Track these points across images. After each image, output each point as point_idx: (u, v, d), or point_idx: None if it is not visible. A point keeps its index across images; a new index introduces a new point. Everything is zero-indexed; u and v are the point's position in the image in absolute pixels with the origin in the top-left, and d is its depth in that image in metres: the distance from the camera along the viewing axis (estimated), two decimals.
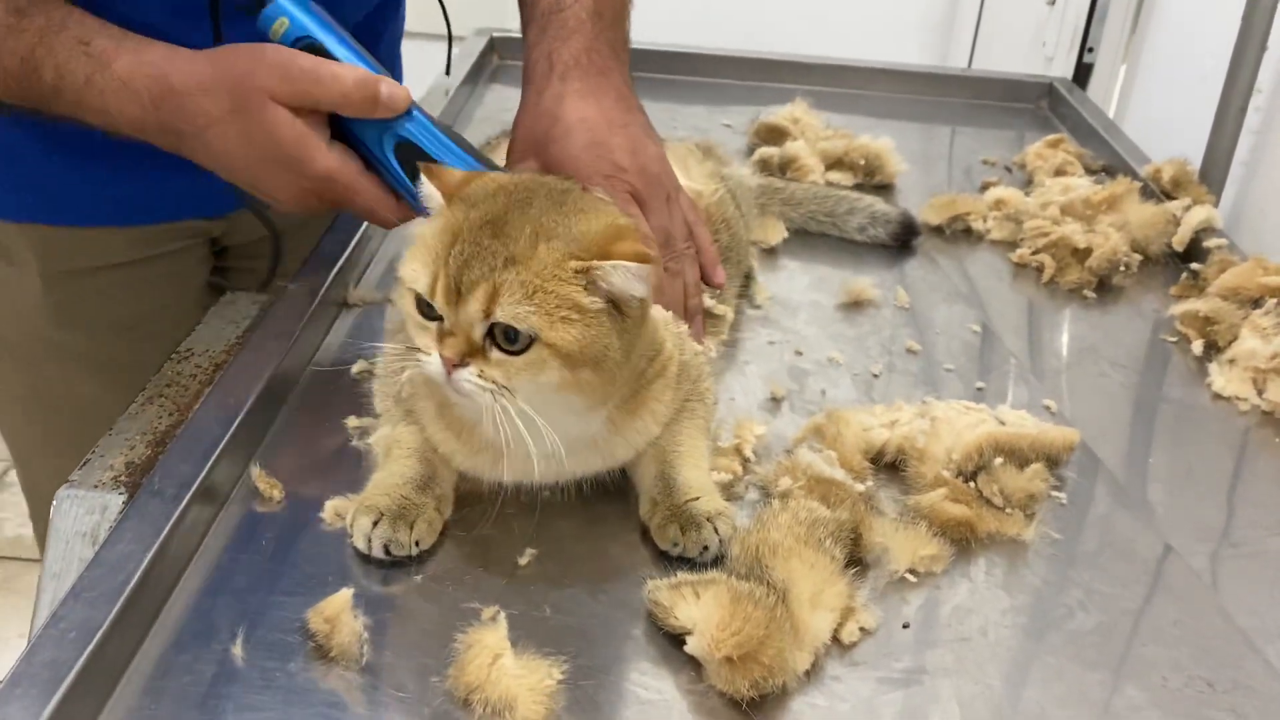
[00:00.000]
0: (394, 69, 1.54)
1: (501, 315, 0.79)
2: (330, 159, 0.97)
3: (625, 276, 0.80)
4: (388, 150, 0.98)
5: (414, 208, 0.98)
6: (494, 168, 1.00)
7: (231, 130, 0.95)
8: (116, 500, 0.84)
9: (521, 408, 0.81)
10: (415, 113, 0.99)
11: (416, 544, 0.85)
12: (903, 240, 1.40)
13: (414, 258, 0.84)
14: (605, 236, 0.82)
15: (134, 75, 0.95)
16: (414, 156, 0.97)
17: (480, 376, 0.80)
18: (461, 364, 0.81)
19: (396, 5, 1.43)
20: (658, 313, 0.94)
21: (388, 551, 0.84)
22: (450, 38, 1.49)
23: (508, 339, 0.80)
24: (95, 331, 1.27)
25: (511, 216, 0.82)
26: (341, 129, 0.99)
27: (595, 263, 0.80)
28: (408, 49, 1.49)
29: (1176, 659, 0.83)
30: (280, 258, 1.27)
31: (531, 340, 0.80)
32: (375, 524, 0.84)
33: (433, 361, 0.82)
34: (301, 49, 0.98)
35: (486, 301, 0.79)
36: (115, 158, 1.18)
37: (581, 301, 0.80)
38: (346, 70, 0.95)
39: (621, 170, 1.03)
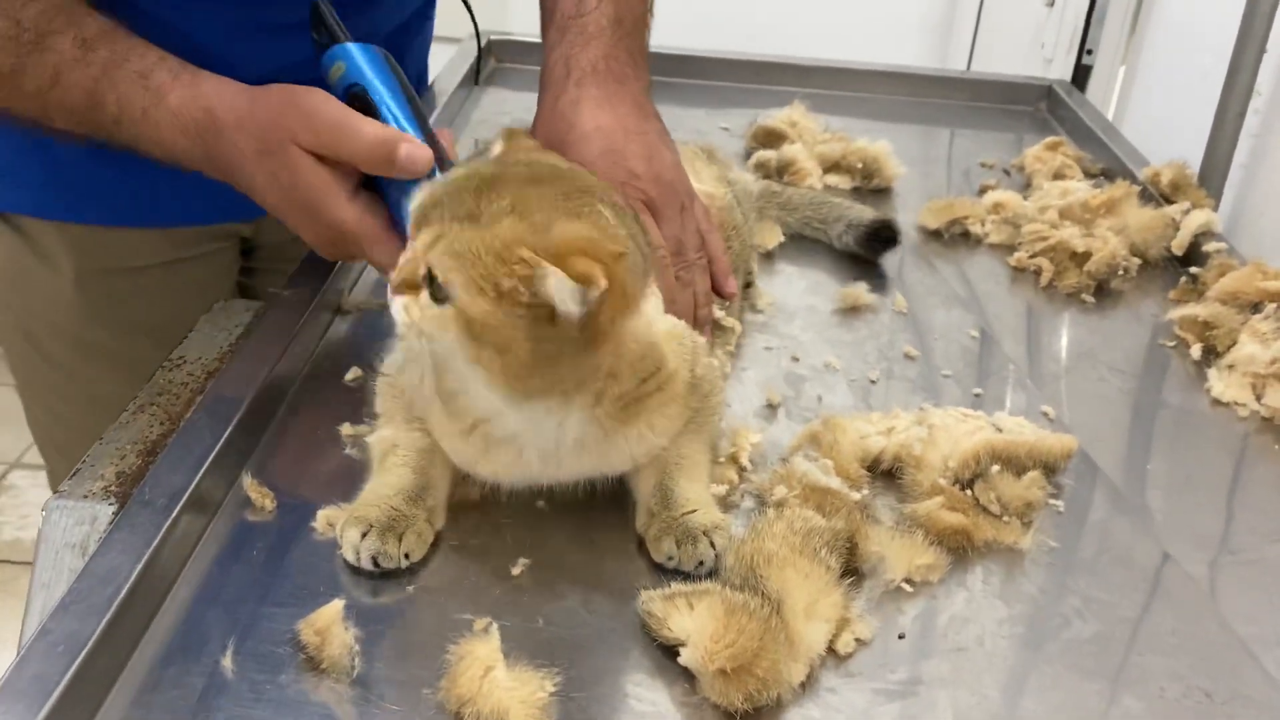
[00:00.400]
0: (422, 76, 1.55)
1: (432, 258, 0.79)
2: (348, 210, 0.97)
3: (555, 287, 0.76)
4: (409, 212, 0.96)
5: None
6: None
7: (260, 169, 0.98)
8: (106, 511, 0.83)
9: (433, 355, 0.83)
10: (439, 176, 0.95)
11: (406, 556, 0.84)
12: (873, 247, 1.36)
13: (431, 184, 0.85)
14: (570, 245, 0.78)
15: (185, 108, 0.98)
16: None
17: (405, 310, 0.82)
18: (399, 291, 0.82)
19: (426, 14, 1.43)
20: (669, 327, 0.92)
21: (376, 563, 0.84)
22: (480, 49, 1.51)
23: (433, 286, 0.80)
24: (123, 332, 1.29)
25: (510, 185, 0.81)
26: (374, 182, 0.99)
27: (533, 258, 0.77)
28: None
29: (1175, 668, 0.83)
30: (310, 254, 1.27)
31: (447, 299, 0.80)
32: (364, 535, 0.84)
33: (390, 281, 0.84)
34: (353, 96, 0.99)
35: (430, 242, 0.80)
36: (148, 160, 1.19)
37: (503, 285, 0.78)
38: (369, 127, 0.95)
39: (636, 177, 1.02)
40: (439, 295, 0.80)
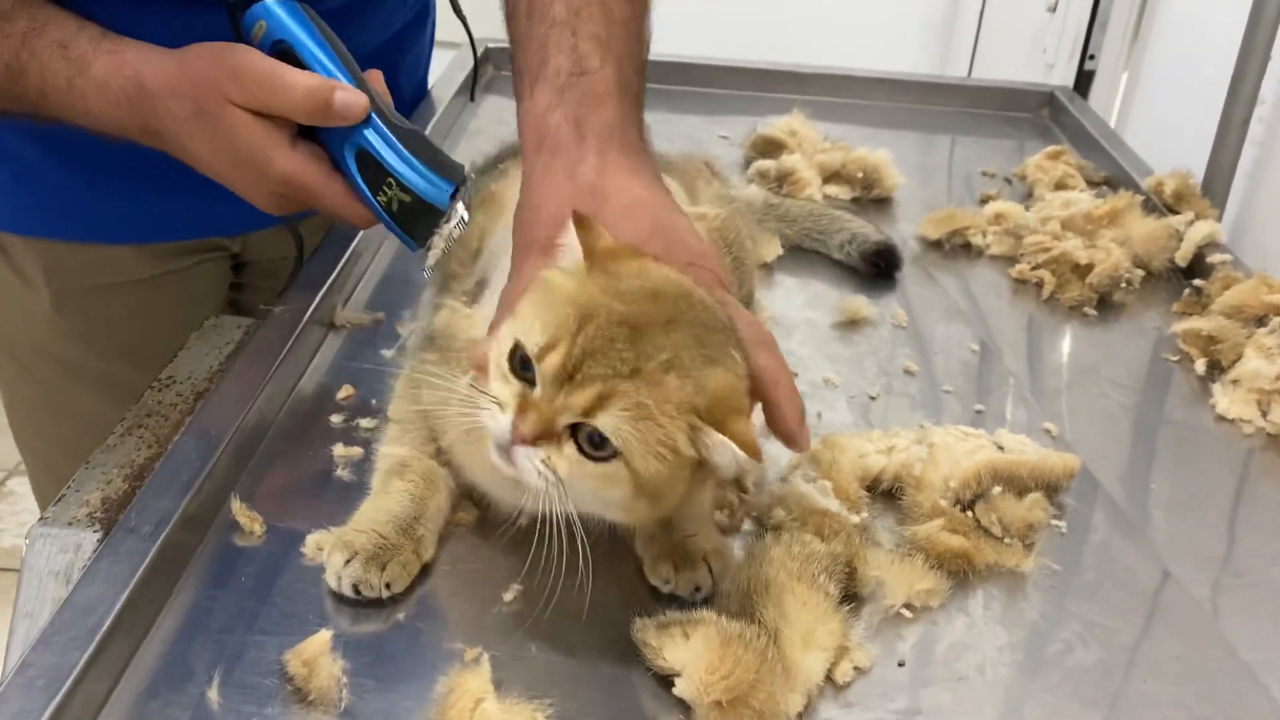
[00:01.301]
0: (419, 89, 1.52)
1: (603, 421, 0.73)
2: (292, 160, 0.96)
3: (728, 456, 0.75)
4: (348, 158, 0.97)
5: (373, 211, 0.97)
6: (460, 180, 0.97)
7: (197, 132, 0.95)
8: (91, 538, 0.82)
9: (567, 506, 0.76)
10: (376, 120, 0.97)
11: (387, 586, 0.83)
12: (877, 268, 1.35)
13: (535, 310, 0.78)
14: (727, 405, 0.76)
15: (111, 77, 0.95)
16: (371, 164, 0.97)
17: (545, 463, 0.75)
18: (532, 442, 0.75)
19: (420, 26, 1.41)
20: None
21: (357, 591, 0.82)
22: (475, 60, 1.47)
23: (590, 443, 0.75)
24: (106, 350, 1.27)
25: (654, 331, 0.75)
26: (312, 132, 0.98)
27: (710, 430, 0.75)
28: None
29: (1179, 696, 0.81)
30: (302, 268, 1.24)
31: (614, 455, 0.75)
32: (347, 562, 0.82)
33: (501, 422, 0.76)
34: (278, 52, 0.97)
35: (595, 401, 0.73)
36: (128, 175, 1.18)
37: (681, 449, 0.75)
38: (299, 78, 0.94)
39: (702, 257, 0.91)
40: (601, 453, 0.75)
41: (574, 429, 0.75)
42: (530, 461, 0.75)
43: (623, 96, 0.96)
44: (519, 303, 0.80)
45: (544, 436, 0.75)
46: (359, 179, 0.97)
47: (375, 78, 1.01)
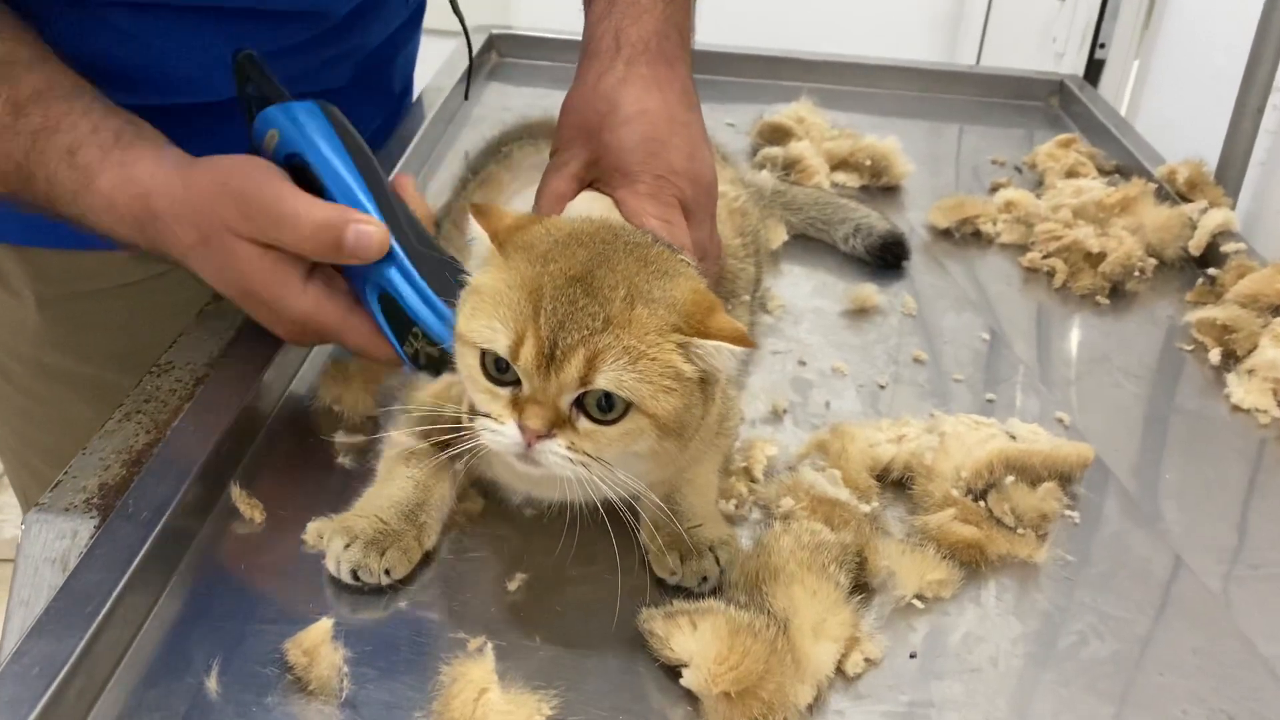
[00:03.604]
0: (407, 88, 1.50)
1: (604, 382, 0.72)
2: (305, 300, 0.89)
3: (727, 358, 0.75)
4: (371, 299, 0.89)
5: (403, 362, 0.90)
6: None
7: (204, 261, 0.89)
8: (88, 524, 0.80)
9: (619, 478, 0.75)
10: (400, 255, 0.87)
11: (386, 572, 0.81)
12: (883, 259, 1.33)
13: (482, 314, 0.75)
14: (699, 307, 0.75)
15: (117, 194, 0.89)
16: (396, 309, 0.88)
17: (570, 449, 0.73)
18: (548, 435, 0.74)
19: (414, 24, 1.39)
20: None
21: (356, 576, 0.81)
22: (470, 59, 1.45)
23: (600, 408, 0.73)
24: (93, 358, 1.22)
25: (599, 273, 0.75)
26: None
27: (698, 340, 0.74)
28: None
29: (1196, 690, 0.80)
30: None
31: (627, 408, 0.73)
32: (347, 547, 0.81)
33: (508, 432, 0.74)
34: (292, 167, 0.89)
35: (585, 367, 0.72)
36: None
37: (683, 370, 0.74)
38: (308, 211, 0.86)
39: (675, 173, 0.95)
40: (612, 413, 0.73)
41: (579, 403, 0.73)
42: (556, 455, 0.74)
43: (667, 6, 1.00)
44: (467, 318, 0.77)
45: (556, 424, 0.73)
46: (384, 323, 0.89)
47: (405, 185, 0.95)
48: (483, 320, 0.75)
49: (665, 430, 0.75)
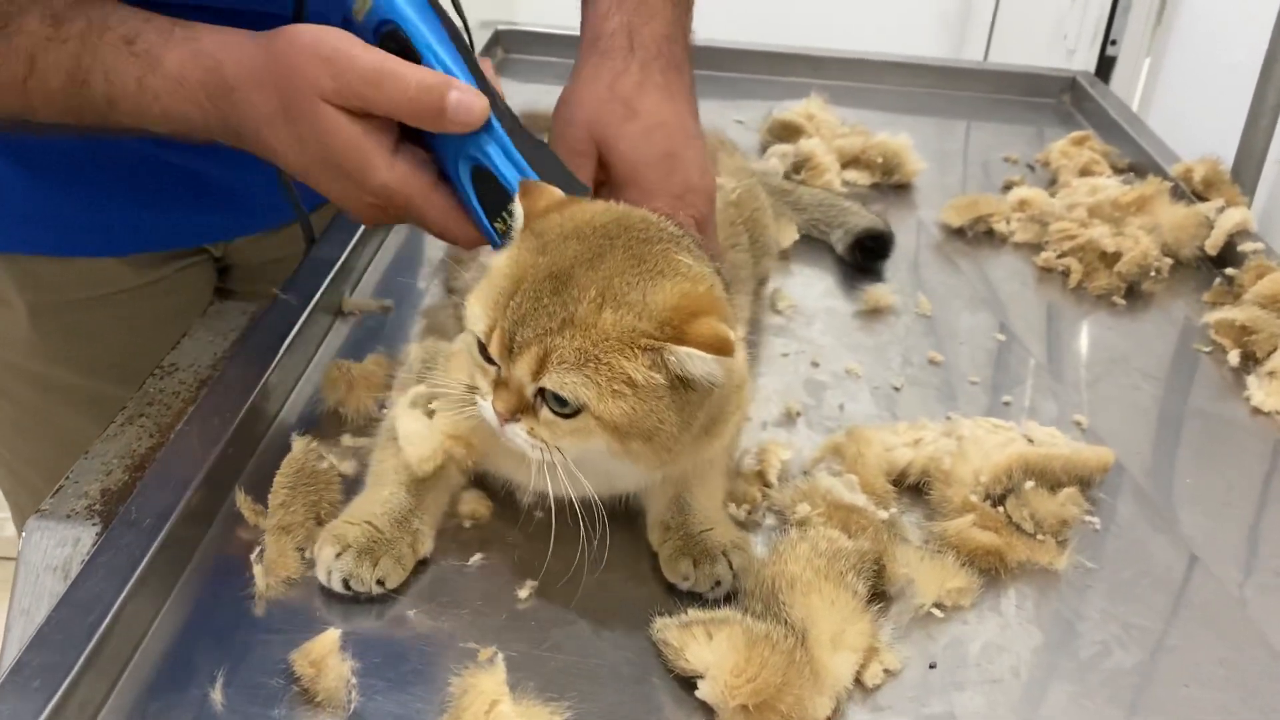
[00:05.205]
0: None
1: (549, 382, 0.74)
2: (392, 172, 0.84)
3: (699, 365, 0.73)
4: (462, 173, 0.85)
5: (490, 241, 0.87)
6: (584, 191, 0.87)
7: (284, 132, 0.84)
8: (90, 531, 0.78)
9: (570, 468, 0.76)
10: (498, 129, 0.84)
11: (379, 582, 0.79)
12: (854, 257, 1.30)
13: (479, 296, 0.78)
14: (681, 312, 0.74)
15: (187, 70, 0.84)
16: (490, 184, 0.84)
17: (530, 434, 0.76)
18: (513, 419, 0.76)
19: None
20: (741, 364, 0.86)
21: (347, 586, 0.79)
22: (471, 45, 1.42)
23: (558, 402, 0.74)
24: (88, 367, 1.19)
25: (578, 272, 0.75)
26: (417, 133, 0.85)
27: (668, 346, 0.73)
28: None
29: (1224, 702, 0.78)
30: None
31: (578, 409, 0.74)
32: (338, 556, 0.79)
33: (487, 408, 0.78)
34: (385, 36, 0.84)
35: (536, 365, 0.74)
36: (105, 186, 1.11)
37: (636, 377, 0.73)
38: (411, 73, 0.81)
39: (692, 191, 0.94)
40: (566, 409, 0.75)
41: (542, 394, 0.76)
42: (519, 436, 0.77)
43: (675, 9, 0.98)
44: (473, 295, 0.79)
45: (520, 409, 0.76)
46: (474, 199, 0.85)
47: (487, 68, 0.90)
48: (477, 302, 0.78)
49: (621, 432, 0.75)
